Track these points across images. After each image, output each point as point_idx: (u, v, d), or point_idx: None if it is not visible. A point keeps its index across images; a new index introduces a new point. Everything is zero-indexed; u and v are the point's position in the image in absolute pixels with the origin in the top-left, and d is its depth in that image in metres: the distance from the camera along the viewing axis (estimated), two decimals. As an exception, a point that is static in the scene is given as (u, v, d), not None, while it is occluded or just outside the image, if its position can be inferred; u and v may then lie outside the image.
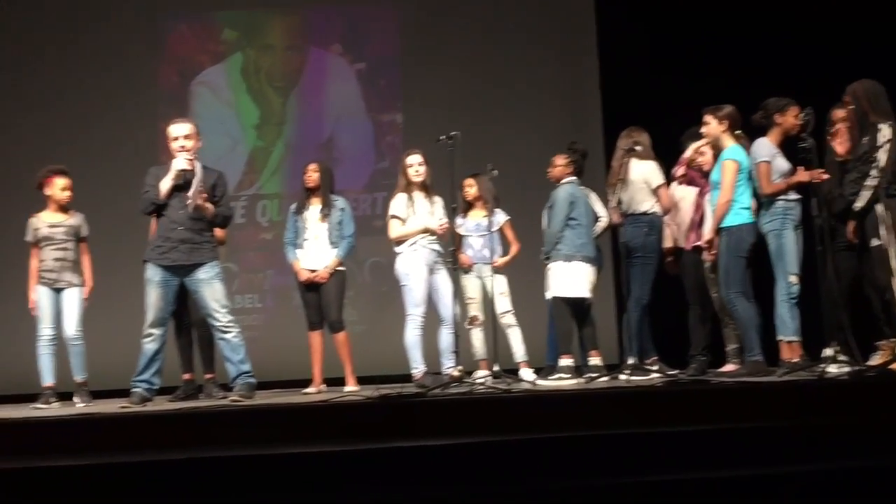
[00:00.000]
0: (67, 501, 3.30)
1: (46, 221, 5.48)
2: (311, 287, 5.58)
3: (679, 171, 5.39)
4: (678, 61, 7.00)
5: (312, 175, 5.66)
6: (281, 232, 6.00)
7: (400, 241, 5.40)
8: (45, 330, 5.41)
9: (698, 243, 5.19)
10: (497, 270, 5.60)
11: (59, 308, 5.42)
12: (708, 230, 5.02)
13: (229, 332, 4.82)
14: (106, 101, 7.84)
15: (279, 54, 8.05)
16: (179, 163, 4.77)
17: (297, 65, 8.03)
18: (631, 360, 4.97)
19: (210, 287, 4.82)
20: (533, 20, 7.94)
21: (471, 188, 5.70)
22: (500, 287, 5.63)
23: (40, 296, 5.41)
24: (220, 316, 4.81)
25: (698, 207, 5.29)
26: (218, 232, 5.12)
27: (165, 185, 4.78)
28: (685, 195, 5.44)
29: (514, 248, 5.78)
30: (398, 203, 5.43)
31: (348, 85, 8.00)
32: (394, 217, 5.41)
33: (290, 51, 8.05)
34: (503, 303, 5.62)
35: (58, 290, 5.42)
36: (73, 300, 5.43)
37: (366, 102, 7.98)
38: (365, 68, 8.01)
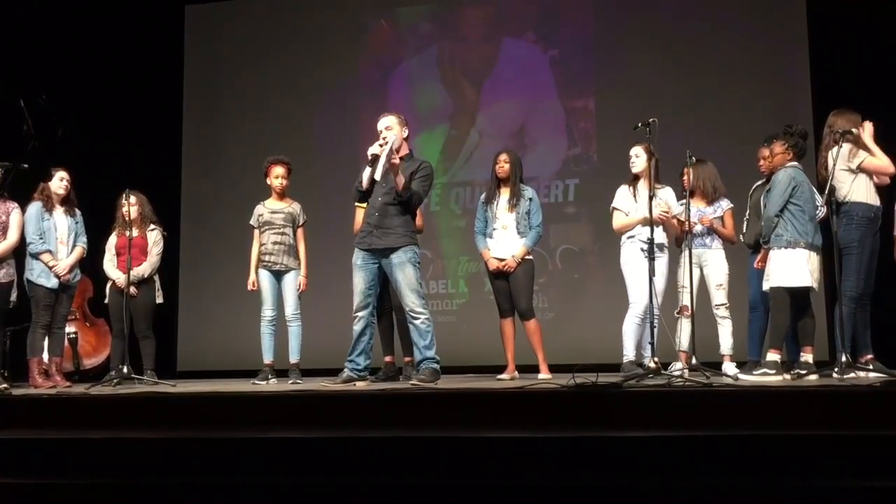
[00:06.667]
0: (273, 470, 3.57)
1: (269, 208, 5.90)
2: (500, 275, 5.66)
3: None
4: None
5: (504, 165, 5.72)
6: (473, 220, 6.12)
7: (622, 233, 5.49)
8: (267, 311, 5.82)
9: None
10: (716, 260, 5.52)
11: (279, 290, 5.82)
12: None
13: (417, 318, 4.97)
14: (315, 97, 8.33)
15: (473, 45, 8.19)
16: (372, 148, 5.00)
17: (491, 54, 8.14)
18: (843, 358, 4.65)
19: (401, 271, 4.98)
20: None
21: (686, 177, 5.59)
22: (717, 279, 5.52)
23: (262, 278, 5.82)
24: (409, 301, 4.97)
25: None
26: (417, 221, 5.31)
27: (366, 173, 5.03)
28: None
29: (728, 235, 5.63)
30: (620, 195, 5.53)
31: (541, 72, 8.00)
32: (615, 209, 5.54)
33: (484, 41, 8.17)
34: (719, 295, 5.51)
35: (277, 273, 5.82)
36: (290, 283, 5.80)
37: (558, 89, 7.96)
38: (558, 54, 7.98)
